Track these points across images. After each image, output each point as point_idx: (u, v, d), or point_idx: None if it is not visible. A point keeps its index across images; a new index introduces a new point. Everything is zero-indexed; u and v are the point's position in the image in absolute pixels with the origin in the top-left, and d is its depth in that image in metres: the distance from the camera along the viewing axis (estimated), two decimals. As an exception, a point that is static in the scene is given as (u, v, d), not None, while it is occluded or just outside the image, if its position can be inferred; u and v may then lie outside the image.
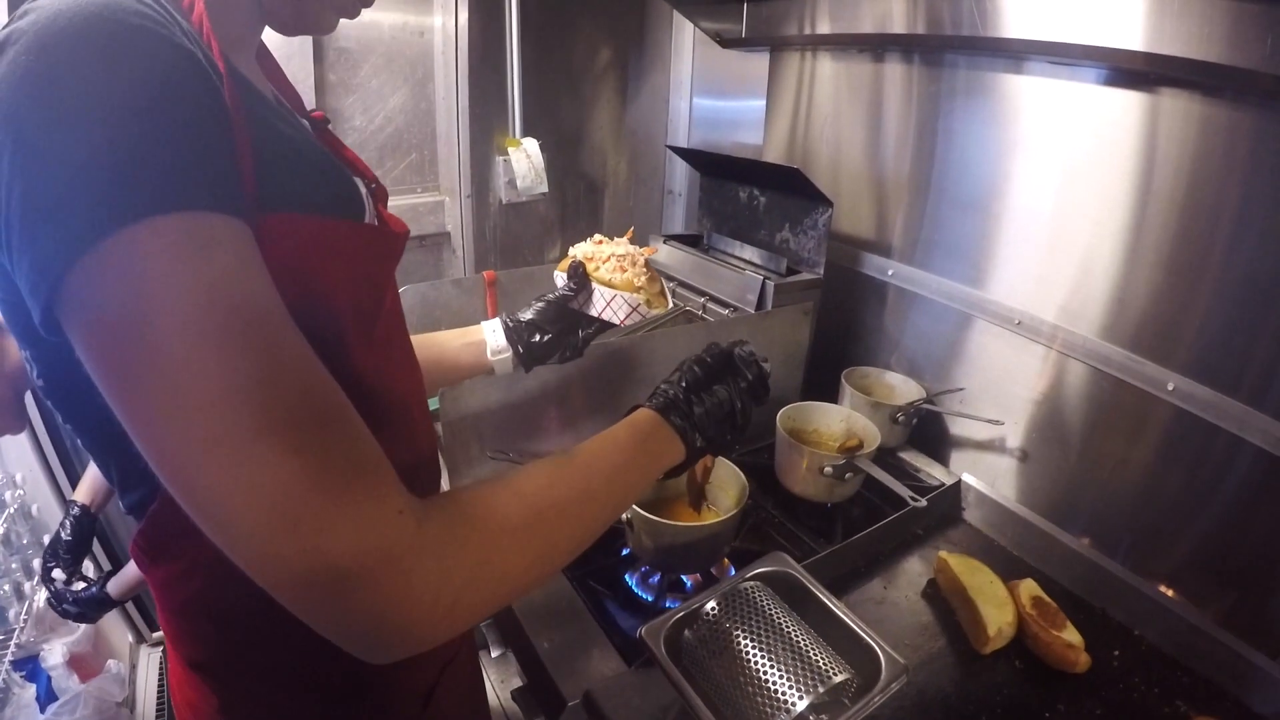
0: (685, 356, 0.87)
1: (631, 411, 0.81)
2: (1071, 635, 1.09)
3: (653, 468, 0.77)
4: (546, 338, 1.11)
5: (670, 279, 1.76)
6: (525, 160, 1.79)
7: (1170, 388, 1.16)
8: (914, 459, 1.54)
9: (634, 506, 1.12)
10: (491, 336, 1.10)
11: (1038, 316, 1.34)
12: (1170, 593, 1.18)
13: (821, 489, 1.34)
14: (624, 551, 1.25)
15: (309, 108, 0.78)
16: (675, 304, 1.40)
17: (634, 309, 1.14)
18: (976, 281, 1.45)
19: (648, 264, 1.18)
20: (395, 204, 1.76)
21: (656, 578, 1.21)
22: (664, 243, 1.80)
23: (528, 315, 1.12)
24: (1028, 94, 1.32)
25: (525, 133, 1.83)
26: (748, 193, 1.75)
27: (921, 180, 1.53)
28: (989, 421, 1.41)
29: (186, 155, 0.45)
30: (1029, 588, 1.18)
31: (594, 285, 1.15)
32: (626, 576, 1.23)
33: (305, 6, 0.65)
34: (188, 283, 0.43)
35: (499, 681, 1.17)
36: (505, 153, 1.81)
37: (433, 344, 1.08)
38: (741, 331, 1.50)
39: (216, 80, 0.49)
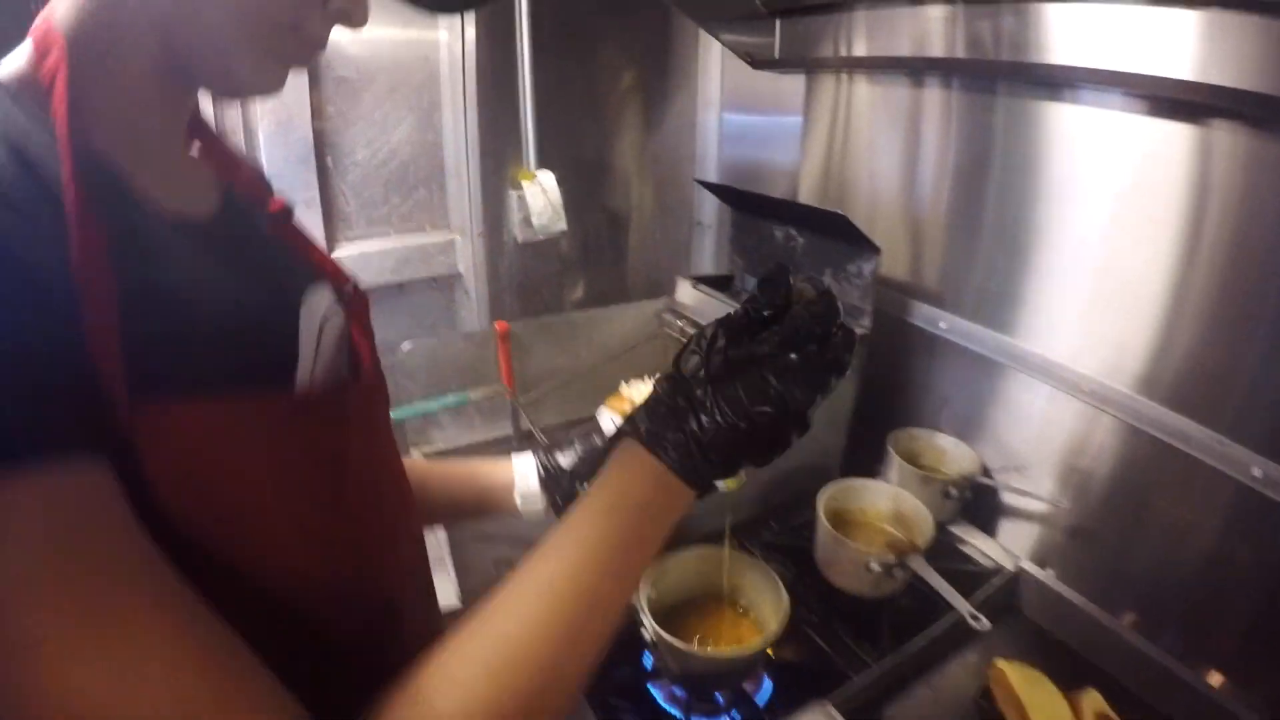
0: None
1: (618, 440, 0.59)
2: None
3: (655, 532, 0.56)
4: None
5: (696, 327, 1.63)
6: (541, 196, 1.65)
7: (1257, 474, 1.00)
8: (965, 533, 1.40)
9: (656, 629, 1.00)
10: (522, 481, 0.93)
11: (1107, 384, 1.18)
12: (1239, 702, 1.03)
13: (866, 584, 1.20)
14: (645, 657, 1.13)
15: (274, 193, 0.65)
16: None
17: None
18: (1037, 338, 1.29)
19: None
20: (403, 244, 1.65)
21: (682, 690, 1.09)
22: (692, 286, 1.66)
23: (568, 459, 0.94)
24: (1071, 123, 1.18)
25: (541, 164, 1.69)
26: (784, 233, 1.60)
27: (965, 220, 1.38)
28: (1050, 503, 1.26)
29: (12, 388, 0.35)
30: (1093, 702, 1.03)
31: None
32: (650, 686, 1.10)
33: (232, 60, 0.49)
34: (19, 548, 0.35)
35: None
36: (519, 186, 1.67)
37: (471, 476, 0.94)
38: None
39: (60, 238, 0.38)
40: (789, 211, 1.57)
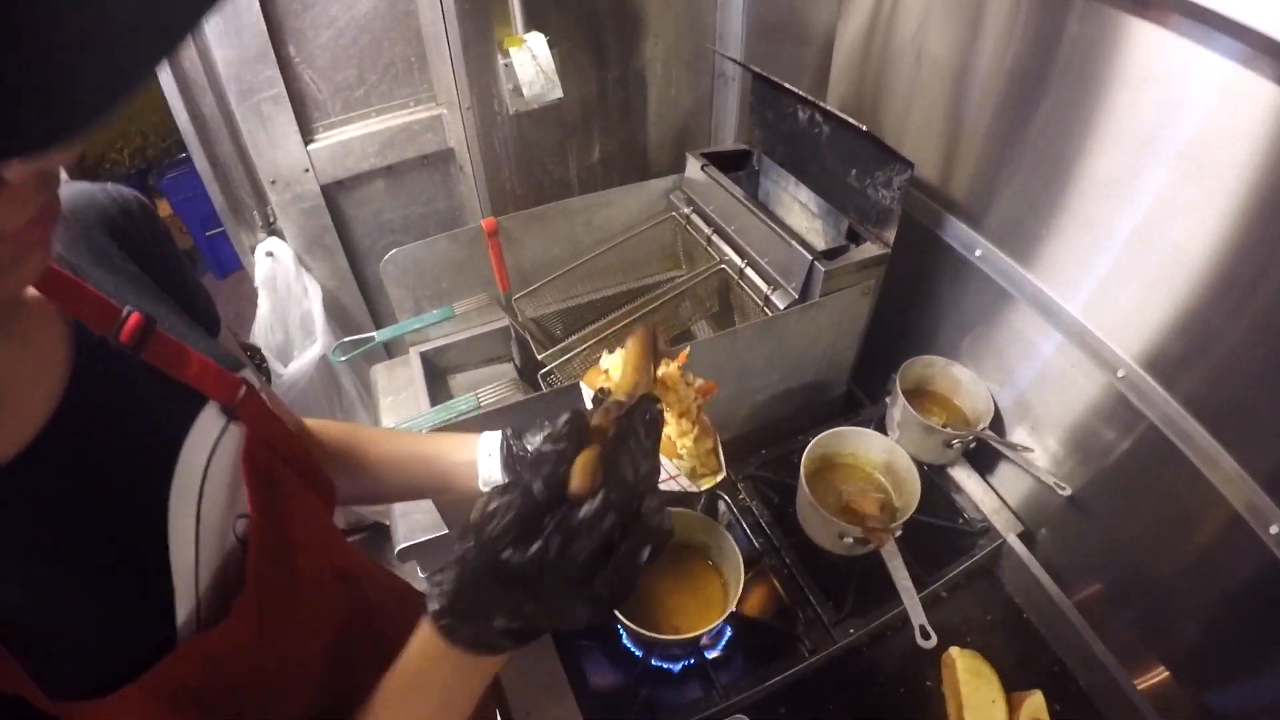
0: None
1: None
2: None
3: (463, 700, 0.59)
4: None
5: (708, 222, 1.47)
6: (531, 63, 1.43)
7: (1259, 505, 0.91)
8: (962, 477, 1.35)
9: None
10: (486, 463, 0.85)
11: (1115, 352, 1.06)
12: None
13: (839, 547, 1.19)
14: None
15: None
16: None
17: (673, 477, 0.84)
18: (1056, 280, 1.14)
19: (699, 413, 0.85)
20: (385, 125, 1.51)
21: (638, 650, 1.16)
22: (701, 168, 1.48)
23: (536, 440, 0.85)
24: (1151, 50, 0.92)
25: (530, 25, 1.44)
26: (809, 116, 1.36)
27: (1008, 132, 1.16)
28: (1056, 485, 1.18)
29: None
30: (1032, 709, 1.06)
31: None
32: (617, 624, 1.15)
33: None
34: None
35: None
36: (507, 54, 1.45)
37: (426, 458, 0.89)
38: (782, 327, 1.27)
39: None
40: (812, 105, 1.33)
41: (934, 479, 1.33)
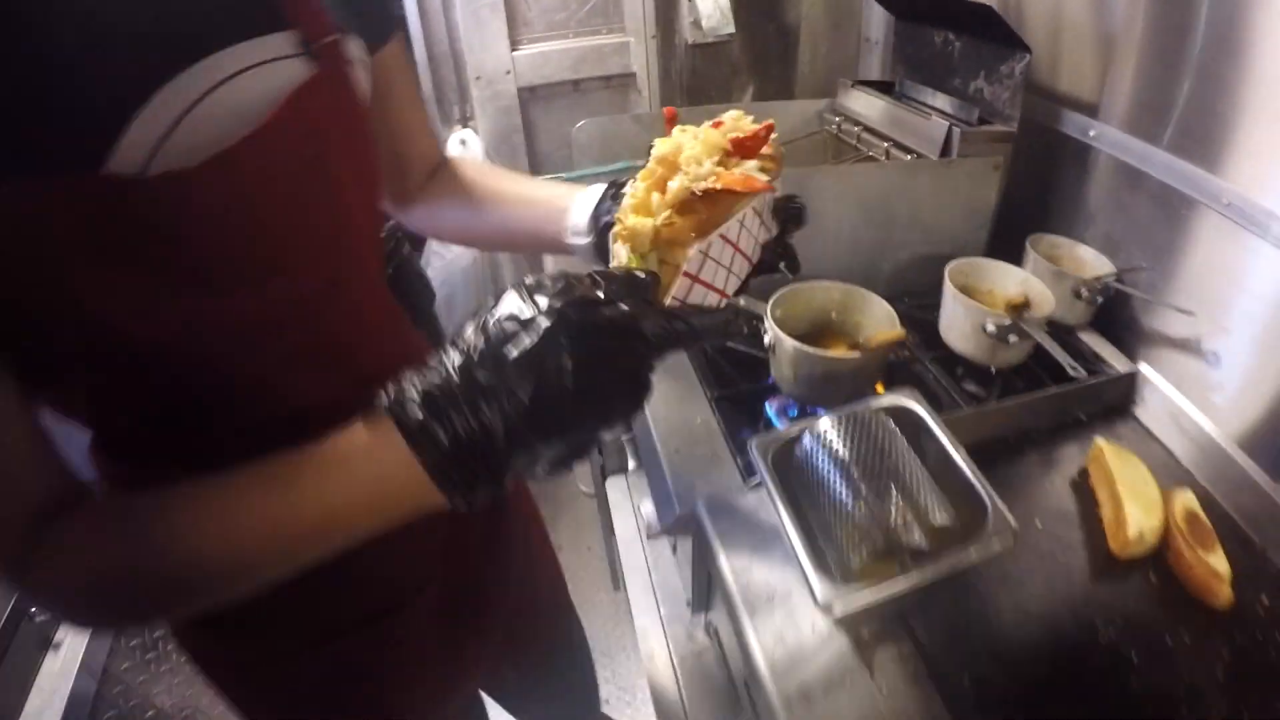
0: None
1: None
2: (1219, 562, 0.95)
3: (370, 532, 0.52)
4: None
5: (856, 123, 1.68)
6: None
7: None
8: (1094, 342, 1.40)
9: (776, 331, 1.11)
10: (576, 212, 0.80)
11: None
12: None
13: (983, 349, 1.27)
14: (768, 380, 1.24)
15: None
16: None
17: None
18: (1207, 160, 1.15)
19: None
20: (579, 45, 1.81)
21: (794, 409, 1.22)
22: (853, 87, 1.71)
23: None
24: None
25: (713, -31, 1.77)
26: (943, 37, 1.60)
27: (1153, 23, 1.25)
28: (1182, 311, 1.21)
29: None
30: (1185, 500, 1.05)
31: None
32: (766, 404, 1.24)
33: None
34: None
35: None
36: (691, -10, 1.78)
37: (527, 199, 0.87)
38: (923, 180, 1.42)
39: None
40: (946, 11, 1.56)
41: (1064, 339, 1.38)
